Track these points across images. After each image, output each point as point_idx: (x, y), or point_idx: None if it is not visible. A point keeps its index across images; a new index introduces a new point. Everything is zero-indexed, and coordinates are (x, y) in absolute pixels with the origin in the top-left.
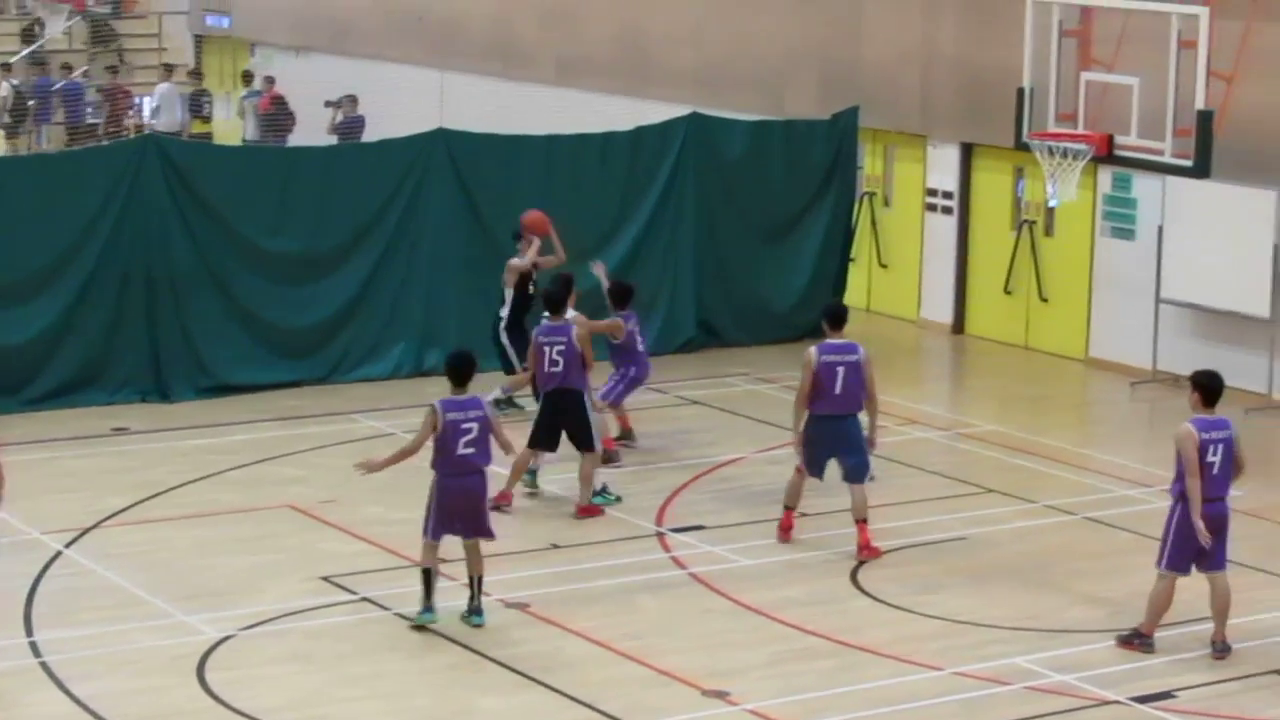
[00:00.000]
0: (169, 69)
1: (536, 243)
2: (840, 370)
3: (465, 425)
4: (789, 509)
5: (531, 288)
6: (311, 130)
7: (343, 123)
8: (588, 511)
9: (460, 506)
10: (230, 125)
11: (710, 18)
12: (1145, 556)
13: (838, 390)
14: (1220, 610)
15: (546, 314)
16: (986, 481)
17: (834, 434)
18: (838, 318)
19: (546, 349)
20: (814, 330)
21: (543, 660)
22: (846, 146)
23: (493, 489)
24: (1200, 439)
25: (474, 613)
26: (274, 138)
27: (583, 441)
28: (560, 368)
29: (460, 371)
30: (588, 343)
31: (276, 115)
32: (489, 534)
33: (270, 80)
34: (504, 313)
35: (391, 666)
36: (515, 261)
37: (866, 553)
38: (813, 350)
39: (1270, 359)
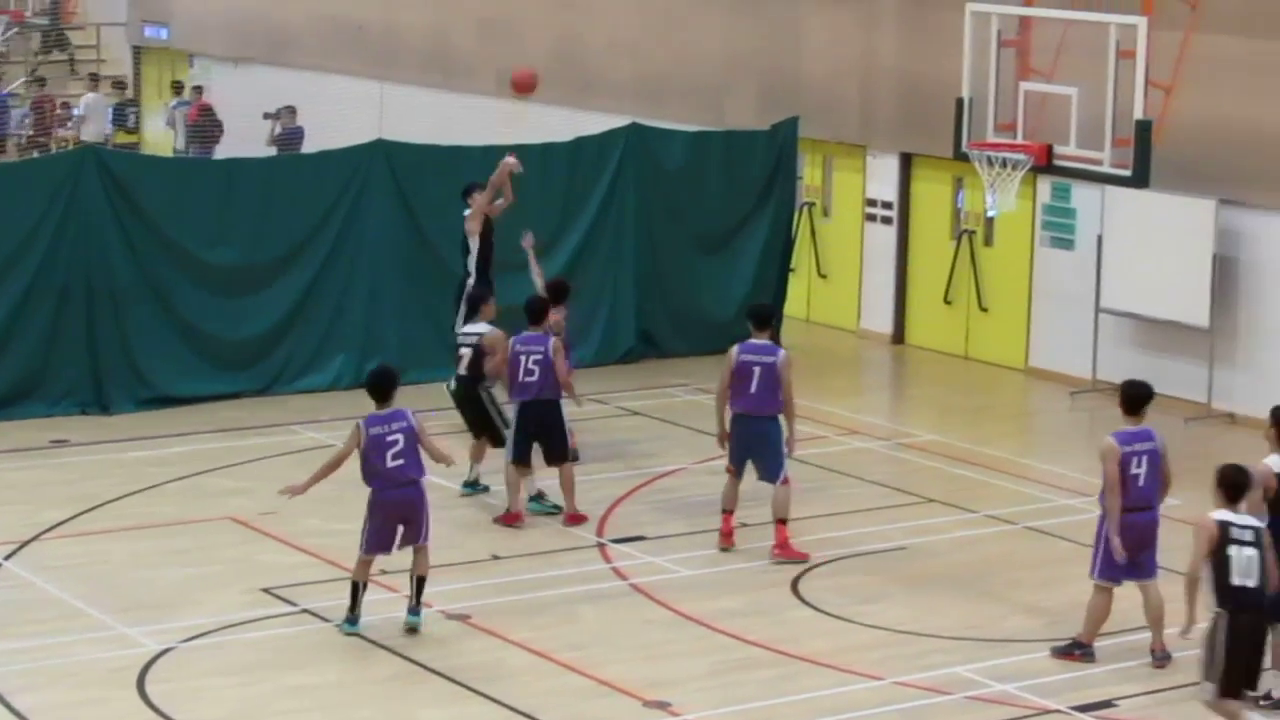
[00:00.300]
0: (95, 79)
1: (490, 193)
2: (756, 370)
3: (390, 439)
4: (727, 513)
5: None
6: (251, 142)
7: (281, 134)
8: (575, 519)
9: (400, 517)
10: (167, 136)
11: (649, 29)
12: (1085, 566)
13: (753, 389)
14: (1155, 619)
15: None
16: (927, 491)
17: (749, 434)
18: (760, 318)
19: (523, 358)
20: None
21: (484, 671)
22: (786, 157)
23: (435, 498)
24: (1122, 451)
25: (411, 612)
26: (200, 147)
27: (557, 455)
28: (535, 378)
29: (380, 388)
30: (560, 354)
31: (204, 125)
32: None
33: (199, 90)
34: (470, 266)
35: (332, 678)
36: (479, 199)
37: (780, 551)
38: (734, 348)
39: (1209, 368)
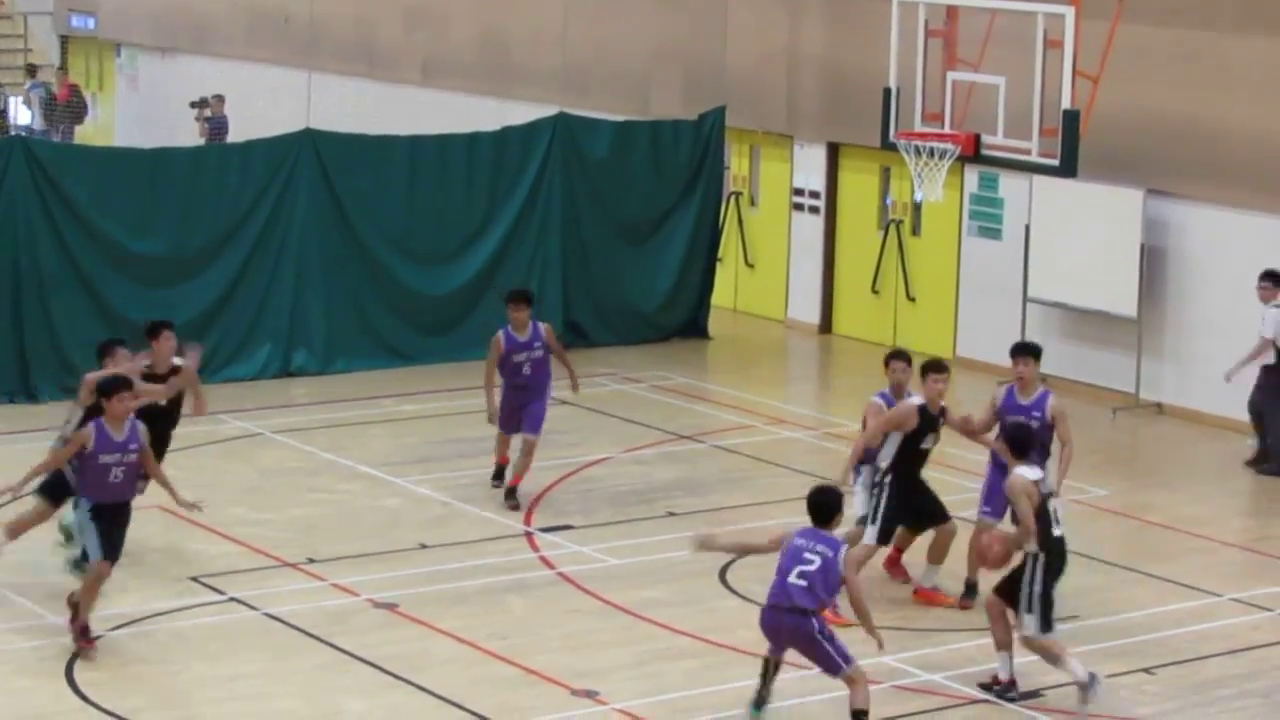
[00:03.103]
0: (33, 70)
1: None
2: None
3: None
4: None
5: None
6: (179, 131)
7: (210, 119)
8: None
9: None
10: (97, 127)
11: (574, 19)
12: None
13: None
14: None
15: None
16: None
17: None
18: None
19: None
20: (681, 330)
21: (410, 660)
22: (713, 147)
23: (362, 488)
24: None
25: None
26: (67, 126)
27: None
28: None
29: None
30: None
31: (73, 104)
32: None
33: (64, 70)
34: None
35: (259, 667)
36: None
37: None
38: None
39: (1138, 358)
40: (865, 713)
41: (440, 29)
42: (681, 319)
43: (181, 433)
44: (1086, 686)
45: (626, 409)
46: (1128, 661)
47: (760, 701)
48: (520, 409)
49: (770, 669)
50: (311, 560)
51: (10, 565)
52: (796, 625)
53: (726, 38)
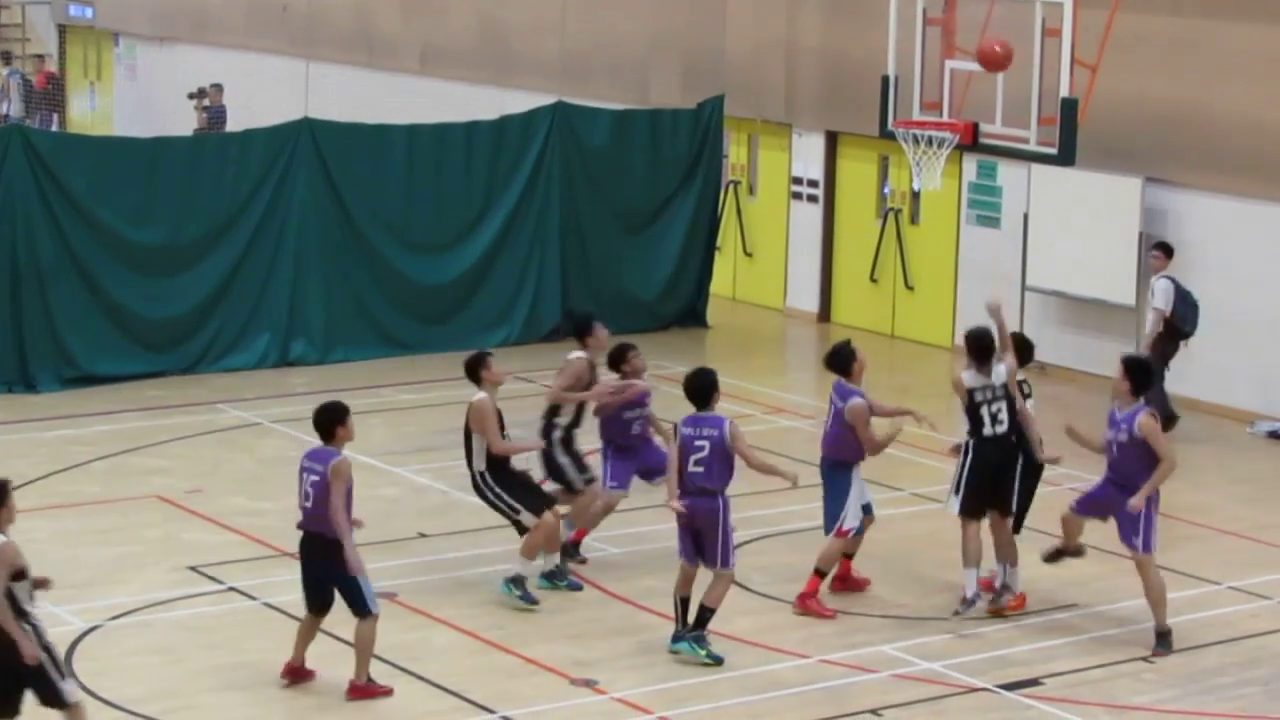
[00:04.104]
0: (7, 57)
1: None
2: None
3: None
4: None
5: None
6: (177, 121)
7: (210, 108)
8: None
9: None
10: (96, 117)
11: (573, 7)
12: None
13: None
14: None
15: None
16: None
17: None
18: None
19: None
20: (680, 318)
21: (410, 650)
22: (711, 135)
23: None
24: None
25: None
26: (45, 113)
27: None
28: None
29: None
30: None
31: (49, 92)
32: None
33: (41, 59)
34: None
35: (257, 657)
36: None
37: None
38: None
39: (1136, 346)
40: (713, 611)
41: (438, 17)
42: (680, 308)
43: (181, 422)
44: (969, 602)
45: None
46: (1127, 650)
47: (679, 637)
48: None
49: (680, 605)
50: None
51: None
52: (707, 506)
53: (725, 26)
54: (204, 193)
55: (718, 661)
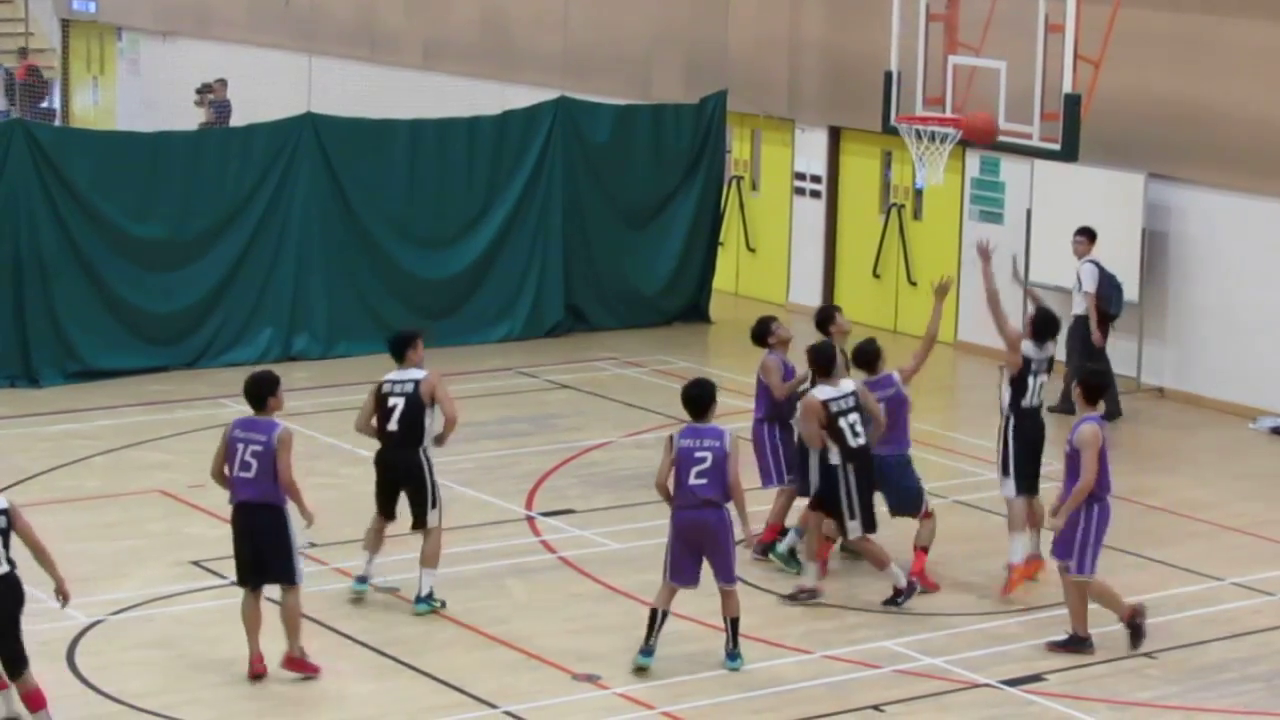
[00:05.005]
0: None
1: None
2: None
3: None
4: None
5: None
6: (180, 115)
7: (215, 103)
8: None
9: None
10: (98, 111)
11: (576, 2)
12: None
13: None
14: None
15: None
16: None
17: None
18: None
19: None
20: (683, 314)
21: (412, 644)
22: (714, 131)
23: (361, 472)
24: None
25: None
26: (30, 105)
27: None
28: None
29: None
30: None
31: (31, 84)
32: None
33: (24, 52)
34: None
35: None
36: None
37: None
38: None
39: (1139, 343)
40: (738, 619)
41: (441, 12)
42: (683, 303)
43: (183, 417)
44: (904, 592)
45: (627, 393)
46: (1129, 646)
47: (649, 651)
48: None
49: (658, 619)
50: (313, 544)
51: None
52: (715, 518)
53: (728, 21)
54: (207, 187)
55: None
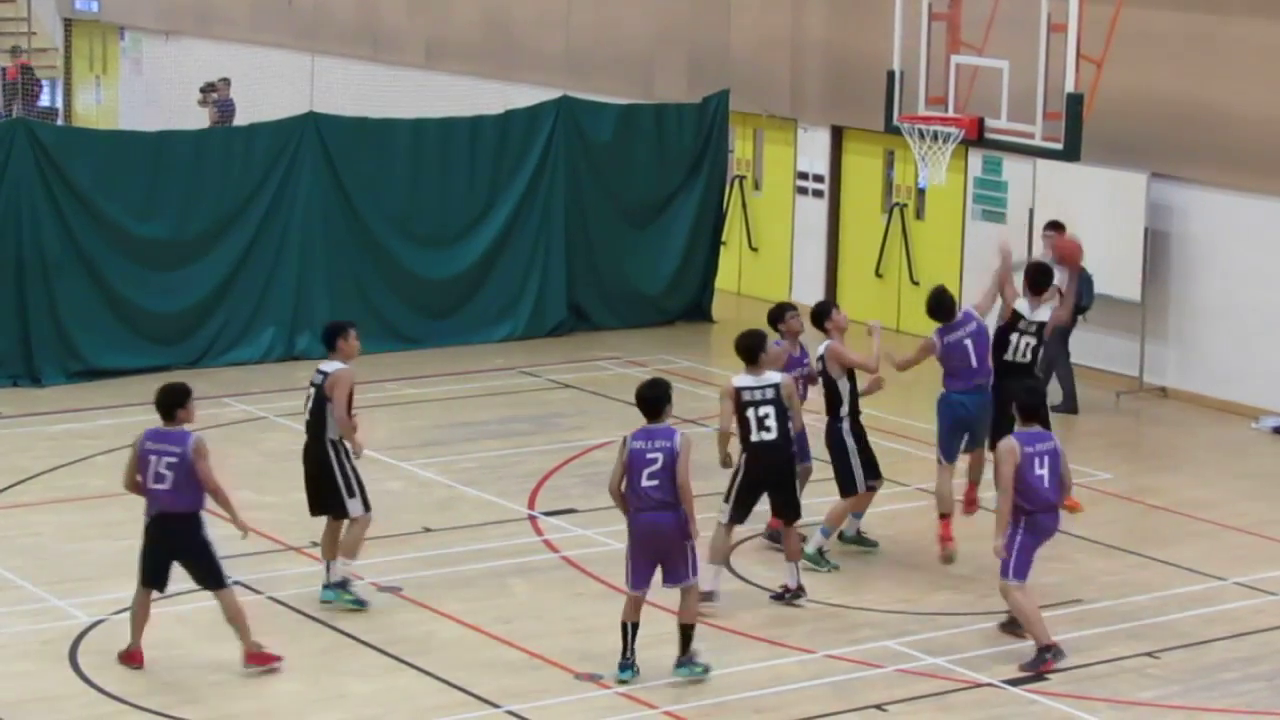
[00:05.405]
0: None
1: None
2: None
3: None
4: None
5: None
6: (183, 114)
7: (219, 102)
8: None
9: None
10: (101, 110)
11: (578, 2)
12: None
13: None
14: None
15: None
16: None
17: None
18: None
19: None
20: (685, 313)
21: (415, 644)
22: (717, 130)
23: (365, 468)
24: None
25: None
26: (23, 104)
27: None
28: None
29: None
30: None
31: (24, 83)
32: None
33: (15, 51)
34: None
35: None
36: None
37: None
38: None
39: (1141, 342)
40: (694, 627)
41: (443, 12)
42: (685, 302)
43: None
44: (708, 596)
45: (630, 393)
46: (1132, 645)
47: (629, 665)
48: None
49: (629, 632)
50: (315, 544)
51: (14, 549)
52: (671, 520)
53: (730, 21)
54: (209, 187)
55: (707, 670)
